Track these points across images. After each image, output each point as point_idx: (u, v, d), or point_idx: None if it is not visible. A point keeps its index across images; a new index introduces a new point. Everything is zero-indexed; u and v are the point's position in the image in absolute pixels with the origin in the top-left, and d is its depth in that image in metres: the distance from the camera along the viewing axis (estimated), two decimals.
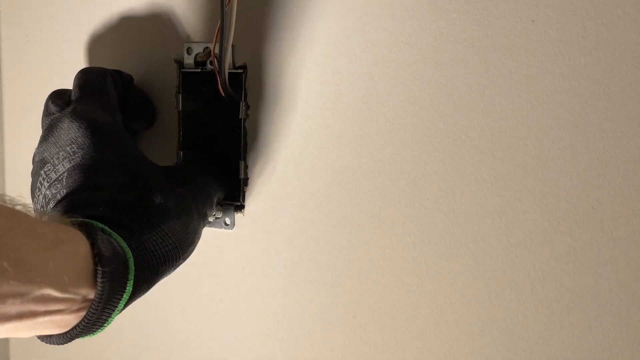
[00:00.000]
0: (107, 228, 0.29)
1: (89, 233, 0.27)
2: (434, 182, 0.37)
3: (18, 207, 0.26)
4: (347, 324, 0.41)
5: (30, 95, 0.50)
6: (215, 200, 0.40)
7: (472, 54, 0.36)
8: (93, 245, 0.27)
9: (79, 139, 0.33)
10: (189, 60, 0.42)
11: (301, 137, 0.41)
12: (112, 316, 0.28)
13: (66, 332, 0.28)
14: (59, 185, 0.32)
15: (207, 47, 0.42)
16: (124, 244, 0.29)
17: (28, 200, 0.29)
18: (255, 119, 0.42)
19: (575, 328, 0.35)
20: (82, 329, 0.27)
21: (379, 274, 0.39)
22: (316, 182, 0.41)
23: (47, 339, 0.28)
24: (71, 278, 0.26)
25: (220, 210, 0.43)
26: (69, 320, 0.27)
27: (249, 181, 0.42)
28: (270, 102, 0.41)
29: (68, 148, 0.33)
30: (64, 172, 0.32)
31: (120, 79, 0.40)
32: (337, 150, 0.40)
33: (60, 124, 0.34)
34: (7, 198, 0.26)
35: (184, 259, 0.33)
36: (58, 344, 0.28)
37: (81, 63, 0.47)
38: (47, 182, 0.33)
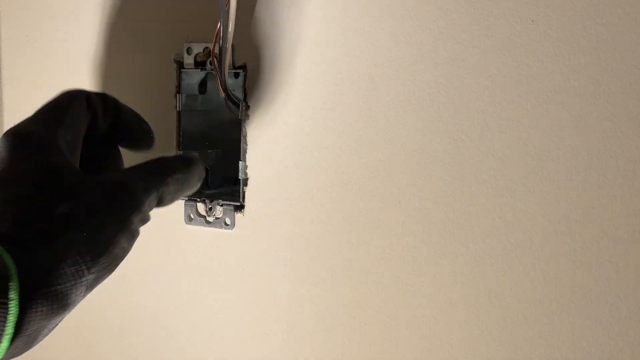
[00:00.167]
0: None
1: None
2: (434, 182, 0.37)
3: None
4: (347, 324, 0.41)
5: (30, 95, 0.50)
6: (147, 207, 0.33)
7: (472, 54, 0.36)
8: None
9: (2, 153, 0.32)
10: (188, 60, 0.42)
11: (301, 137, 0.41)
12: (3, 341, 0.26)
13: None
14: None
15: (207, 47, 0.42)
16: (8, 260, 0.27)
17: None
18: (255, 119, 0.42)
19: (575, 328, 0.35)
20: None
21: (379, 274, 0.39)
22: (316, 182, 0.41)
23: None
24: None
25: (220, 211, 0.43)
26: None
27: (249, 181, 0.42)
28: (270, 102, 0.41)
29: None
30: None
31: (103, 102, 0.37)
32: (337, 150, 0.40)
33: None
34: None
35: (98, 272, 0.30)
36: None
37: (81, 63, 0.47)
38: None
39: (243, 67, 0.41)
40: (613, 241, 0.34)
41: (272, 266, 0.43)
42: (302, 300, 0.42)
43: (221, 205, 0.43)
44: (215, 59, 0.39)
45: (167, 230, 0.46)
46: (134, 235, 0.32)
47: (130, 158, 0.39)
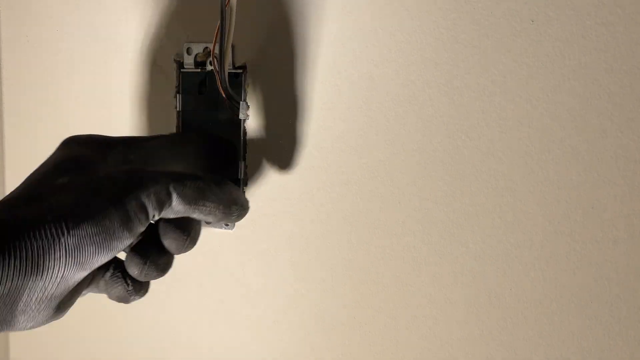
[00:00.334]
0: None
1: None
2: (434, 182, 0.37)
3: None
4: (347, 324, 0.41)
5: (30, 95, 0.50)
6: (152, 198, 0.32)
7: (472, 54, 0.36)
8: None
9: None
10: (188, 60, 0.42)
11: (301, 137, 0.41)
12: None
13: None
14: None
15: (207, 47, 0.42)
16: None
17: None
18: (255, 119, 0.42)
19: (575, 328, 0.35)
20: None
21: (379, 274, 0.39)
22: (316, 182, 0.41)
23: None
24: None
25: None
26: None
27: (249, 181, 0.42)
28: (270, 102, 0.41)
29: None
30: None
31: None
32: (337, 150, 0.40)
33: None
34: None
35: (79, 238, 0.29)
36: None
37: (81, 63, 0.47)
38: None
39: (243, 67, 0.41)
40: (613, 241, 0.34)
41: (272, 266, 0.43)
42: (302, 300, 0.42)
43: None
44: (215, 59, 0.39)
45: None
46: (129, 218, 0.31)
47: None
